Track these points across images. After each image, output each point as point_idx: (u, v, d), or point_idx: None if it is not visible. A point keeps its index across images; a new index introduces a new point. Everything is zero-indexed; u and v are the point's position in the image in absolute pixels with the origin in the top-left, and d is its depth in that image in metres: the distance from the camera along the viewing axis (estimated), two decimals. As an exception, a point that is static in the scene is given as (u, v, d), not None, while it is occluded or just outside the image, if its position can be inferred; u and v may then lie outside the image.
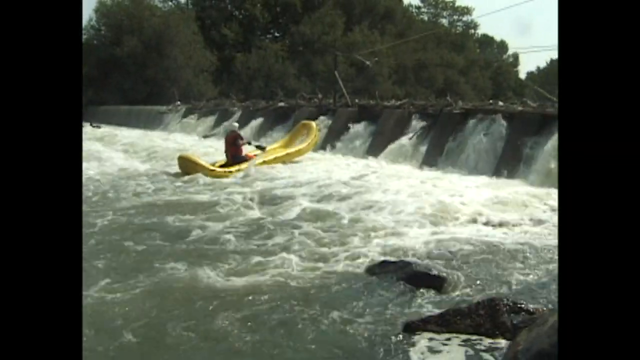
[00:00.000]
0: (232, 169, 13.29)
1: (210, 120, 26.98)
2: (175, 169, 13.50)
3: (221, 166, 13.56)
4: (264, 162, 14.14)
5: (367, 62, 33.19)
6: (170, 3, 50.59)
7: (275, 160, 14.62)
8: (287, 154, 15.23)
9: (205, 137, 24.37)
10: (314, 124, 16.66)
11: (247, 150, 14.56)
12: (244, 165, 13.53)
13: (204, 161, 13.35)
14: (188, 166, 13.02)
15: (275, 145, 16.16)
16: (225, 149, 14.20)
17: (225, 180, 12.33)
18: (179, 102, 32.94)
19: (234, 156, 13.92)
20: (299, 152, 15.54)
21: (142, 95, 38.07)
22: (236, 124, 15.79)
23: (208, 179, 12.23)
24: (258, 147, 15.28)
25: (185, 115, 29.82)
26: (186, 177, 12.46)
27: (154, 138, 24.18)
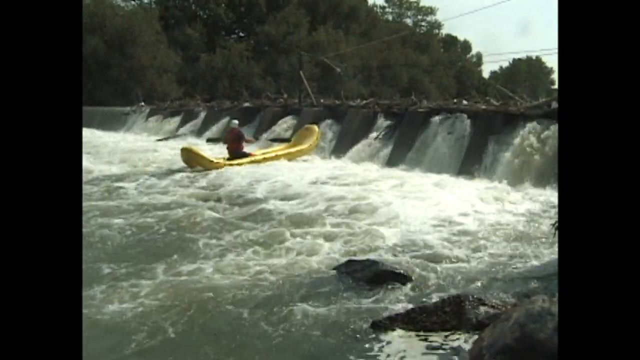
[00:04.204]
0: (234, 162, 14.03)
1: (175, 121, 26.68)
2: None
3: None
4: (265, 159, 14.84)
5: (338, 69, 33.21)
6: (132, 2, 49.93)
7: (277, 157, 15.25)
8: (289, 153, 15.77)
9: (160, 140, 22.75)
10: (316, 127, 16.99)
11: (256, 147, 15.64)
12: (244, 160, 14.29)
13: (206, 154, 14.14)
14: (191, 158, 13.71)
15: (279, 147, 16.78)
16: (227, 145, 15.04)
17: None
18: (142, 103, 32.48)
19: (235, 152, 14.72)
20: (301, 152, 16.07)
21: (105, 96, 37.40)
22: (236, 121, 16.02)
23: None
24: (281, 140, 17.13)
25: (149, 116, 29.42)
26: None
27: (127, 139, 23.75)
